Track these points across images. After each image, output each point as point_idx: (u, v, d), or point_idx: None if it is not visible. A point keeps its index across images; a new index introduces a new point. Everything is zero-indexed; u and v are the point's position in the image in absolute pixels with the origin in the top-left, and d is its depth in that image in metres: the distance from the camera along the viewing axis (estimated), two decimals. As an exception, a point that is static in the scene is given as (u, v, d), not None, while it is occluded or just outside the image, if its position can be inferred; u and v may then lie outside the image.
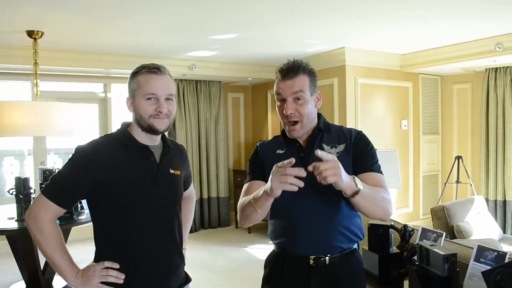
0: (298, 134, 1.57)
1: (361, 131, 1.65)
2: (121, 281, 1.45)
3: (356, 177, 1.41)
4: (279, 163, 1.34)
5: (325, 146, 1.57)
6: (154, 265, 1.51)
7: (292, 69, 1.54)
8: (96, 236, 1.53)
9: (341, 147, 1.58)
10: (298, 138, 1.61)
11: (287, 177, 1.29)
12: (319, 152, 1.32)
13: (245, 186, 1.67)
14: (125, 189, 1.47)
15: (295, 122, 1.54)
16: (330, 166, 1.29)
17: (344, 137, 1.61)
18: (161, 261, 1.53)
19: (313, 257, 1.53)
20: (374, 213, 1.50)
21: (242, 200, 1.60)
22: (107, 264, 1.45)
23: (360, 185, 1.39)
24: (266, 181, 1.58)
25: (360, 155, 1.57)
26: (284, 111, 1.53)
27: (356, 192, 1.37)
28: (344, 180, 1.33)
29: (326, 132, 1.62)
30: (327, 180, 1.29)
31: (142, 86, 1.48)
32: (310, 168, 1.31)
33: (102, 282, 1.43)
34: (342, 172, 1.32)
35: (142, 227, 1.49)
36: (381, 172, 1.57)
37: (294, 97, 1.53)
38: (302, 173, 1.30)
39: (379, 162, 1.60)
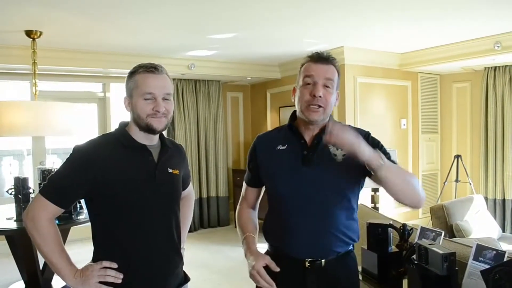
0: (319, 118, 1.52)
1: (368, 132, 1.62)
2: (120, 281, 1.45)
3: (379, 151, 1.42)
4: (259, 269, 1.46)
5: (331, 147, 1.55)
6: (153, 264, 1.51)
7: (328, 58, 1.54)
8: (94, 236, 1.53)
9: None
10: (306, 133, 1.58)
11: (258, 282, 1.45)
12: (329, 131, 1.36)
13: (243, 186, 1.74)
14: (123, 188, 1.46)
15: (319, 106, 1.51)
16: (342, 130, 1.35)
17: None
18: (159, 261, 1.52)
19: (309, 259, 1.53)
20: (404, 193, 1.47)
21: (239, 214, 1.71)
22: (106, 263, 1.45)
23: (384, 158, 1.39)
24: (260, 187, 1.71)
25: None
26: (314, 93, 1.49)
27: (382, 164, 1.38)
28: (363, 147, 1.36)
29: None
30: (343, 138, 1.34)
31: (139, 86, 1.48)
32: (326, 138, 1.37)
33: (100, 282, 1.43)
34: (361, 140, 1.36)
35: (141, 226, 1.49)
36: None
37: (324, 82, 1.51)
38: None
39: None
